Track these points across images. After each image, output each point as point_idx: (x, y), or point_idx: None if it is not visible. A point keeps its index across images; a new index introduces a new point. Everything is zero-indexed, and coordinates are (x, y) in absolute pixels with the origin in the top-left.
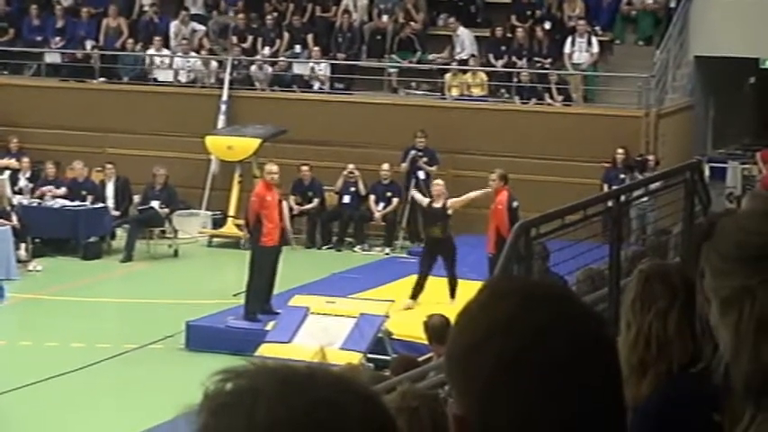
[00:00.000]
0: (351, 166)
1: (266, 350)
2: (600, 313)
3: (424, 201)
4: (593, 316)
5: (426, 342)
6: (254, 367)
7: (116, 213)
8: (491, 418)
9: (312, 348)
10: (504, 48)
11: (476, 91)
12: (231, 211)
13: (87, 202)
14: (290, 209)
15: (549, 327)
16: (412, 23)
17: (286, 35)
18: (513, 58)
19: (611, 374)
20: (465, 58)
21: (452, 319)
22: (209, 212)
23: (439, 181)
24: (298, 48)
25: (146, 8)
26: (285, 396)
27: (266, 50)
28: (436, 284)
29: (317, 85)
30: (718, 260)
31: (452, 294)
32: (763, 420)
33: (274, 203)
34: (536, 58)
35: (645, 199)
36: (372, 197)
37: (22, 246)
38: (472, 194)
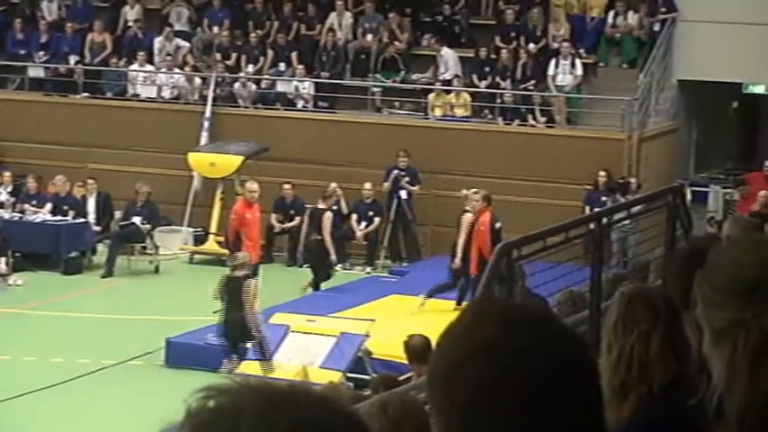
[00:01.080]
0: (333, 185)
1: (247, 368)
2: (581, 335)
3: None
4: (574, 338)
5: (407, 362)
6: (236, 385)
7: (97, 229)
8: None
9: (292, 366)
10: (487, 69)
11: (459, 111)
12: (213, 228)
13: (69, 217)
14: (271, 227)
15: (531, 349)
16: (396, 43)
17: (270, 53)
18: (497, 79)
19: (592, 397)
20: (449, 78)
21: (434, 339)
22: (191, 229)
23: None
24: (282, 66)
25: (130, 24)
26: (268, 415)
27: (250, 68)
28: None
29: (300, 104)
30: (710, 291)
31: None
32: None
33: (255, 221)
34: (520, 80)
35: (626, 222)
36: (354, 216)
37: (3, 260)
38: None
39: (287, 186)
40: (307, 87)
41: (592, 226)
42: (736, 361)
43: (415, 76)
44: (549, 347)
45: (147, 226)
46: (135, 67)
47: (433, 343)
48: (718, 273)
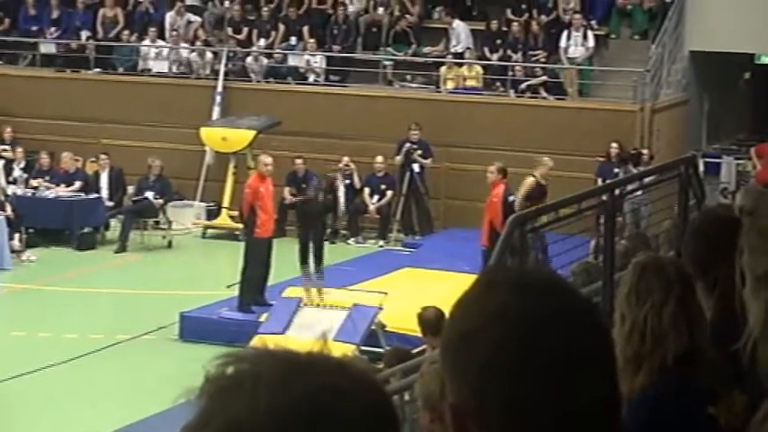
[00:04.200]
0: (345, 159)
1: (260, 341)
2: (595, 303)
3: None
4: (587, 305)
5: (420, 334)
6: (255, 352)
7: (110, 204)
8: (485, 406)
9: (305, 340)
10: (499, 41)
11: (471, 84)
12: (225, 203)
13: (81, 193)
14: (283, 200)
15: (543, 316)
16: (407, 16)
17: (281, 27)
18: (509, 52)
19: (605, 364)
20: (460, 51)
21: (447, 311)
22: (204, 204)
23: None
24: (293, 40)
25: None
26: (287, 382)
27: (262, 42)
28: (432, 277)
29: (312, 78)
30: (756, 238)
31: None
32: None
33: (268, 194)
34: (531, 52)
35: (639, 193)
36: (367, 190)
37: (16, 236)
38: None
39: (299, 161)
40: (318, 61)
41: (604, 197)
42: None
43: (426, 49)
44: (561, 315)
45: (160, 201)
46: (147, 42)
47: (447, 314)
48: (765, 218)
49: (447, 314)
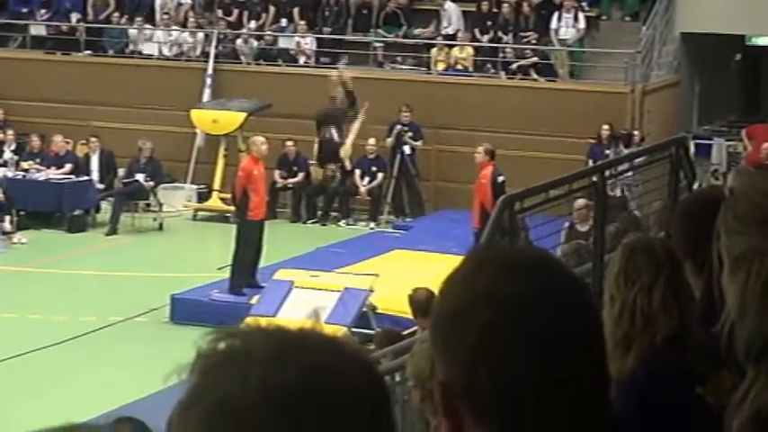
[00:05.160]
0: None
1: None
2: (585, 283)
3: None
4: (578, 285)
5: (411, 316)
6: (247, 328)
7: (101, 186)
8: (474, 386)
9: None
10: (490, 23)
11: (462, 66)
12: (216, 185)
13: (72, 176)
14: (274, 182)
15: (533, 297)
16: None
17: (272, 9)
18: (499, 34)
19: (595, 346)
20: (451, 32)
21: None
22: (195, 186)
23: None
24: (284, 21)
25: None
26: (279, 359)
27: (252, 24)
28: (423, 258)
29: (302, 60)
30: (732, 220)
31: None
32: (764, 384)
33: (261, 177)
34: (522, 34)
35: (630, 174)
36: (358, 171)
37: (7, 218)
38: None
39: (289, 143)
40: (309, 43)
41: (594, 178)
42: (748, 288)
43: (417, 31)
44: (552, 295)
45: (151, 183)
46: (137, 24)
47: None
48: (743, 202)
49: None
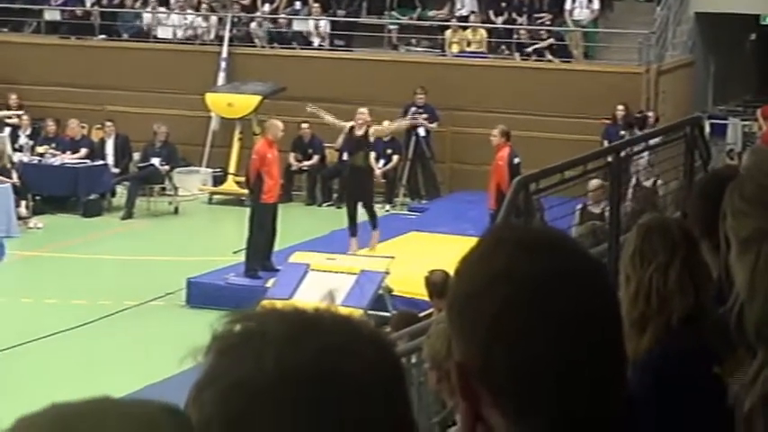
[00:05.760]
0: (351, 123)
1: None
2: (602, 263)
3: (345, 125)
4: (595, 265)
5: (427, 298)
6: (263, 310)
7: (116, 171)
8: (492, 365)
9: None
10: (504, 4)
11: (476, 47)
12: (231, 169)
13: (87, 160)
14: (290, 165)
15: (551, 276)
16: None
17: None
18: (514, 15)
19: (612, 325)
20: (465, 14)
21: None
22: (210, 170)
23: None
24: (298, 4)
25: None
26: (295, 340)
27: (266, 7)
28: (438, 240)
29: (316, 42)
30: (739, 201)
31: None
32: None
33: (275, 160)
34: (536, 15)
35: (645, 154)
36: (373, 154)
37: (23, 203)
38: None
39: (305, 126)
40: (323, 26)
41: (610, 159)
42: (758, 270)
43: (431, 13)
44: (569, 274)
45: (166, 167)
46: (151, 8)
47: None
48: (750, 183)
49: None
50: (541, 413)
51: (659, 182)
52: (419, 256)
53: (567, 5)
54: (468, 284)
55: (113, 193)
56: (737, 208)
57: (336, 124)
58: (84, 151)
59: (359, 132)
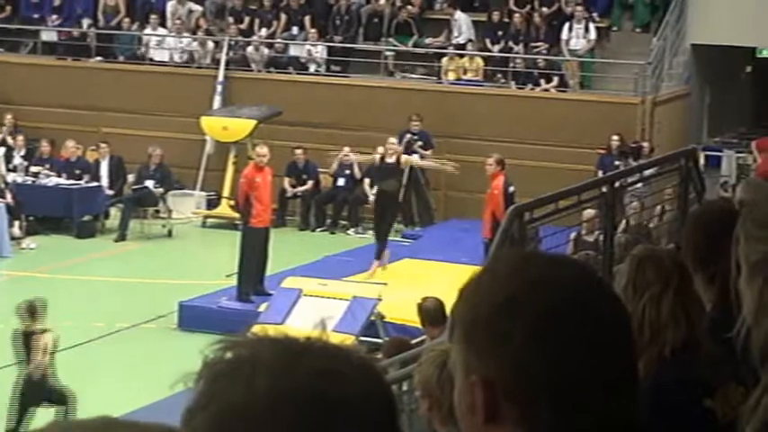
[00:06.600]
0: (346, 149)
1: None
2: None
3: (375, 157)
4: (608, 282)
5: (419, 325)
6: (253, 337)
7: (110, 192)
8: (529, 378)
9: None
10: (500, 33)
11: (472, 75)
12: (226, 192)
13: (82, 181)
14: (284, 191)
15: (582, 284)
16: (409, 7)
17: (283, 16)
18: (510, 44)
19: (630, 335)
20: (462, 42)
21: (447, 302)
22: (204, 193)
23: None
24: (295, 29)
25: None
26: (285, 366)
27: (263, 32)
28: (432, 268)
29: (313, 68)
30: (751, 226)
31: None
32: None
33: (265, 185)
34: (533, 44)
35: (639, 185)
36: (367, 180)
37: (16, 223)
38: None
39: (299, 151)
40: (319, 51)
41: (604, 189)
42: (765, 294)
43: (428, 40)
44: (595, 285)
45: (160, 189)
46: (148, 30)
47: (447, 306)
48: (762, 208)
49: (458, 295)
50: (575, 423)
51: (654, 212)
52: (412, 283)
53: (564, 35)
54: (495, 296)
55: (107, 215)
56: (750, 232)
57: (369, 159)
58: (86, 177)
59: (389, 160)
